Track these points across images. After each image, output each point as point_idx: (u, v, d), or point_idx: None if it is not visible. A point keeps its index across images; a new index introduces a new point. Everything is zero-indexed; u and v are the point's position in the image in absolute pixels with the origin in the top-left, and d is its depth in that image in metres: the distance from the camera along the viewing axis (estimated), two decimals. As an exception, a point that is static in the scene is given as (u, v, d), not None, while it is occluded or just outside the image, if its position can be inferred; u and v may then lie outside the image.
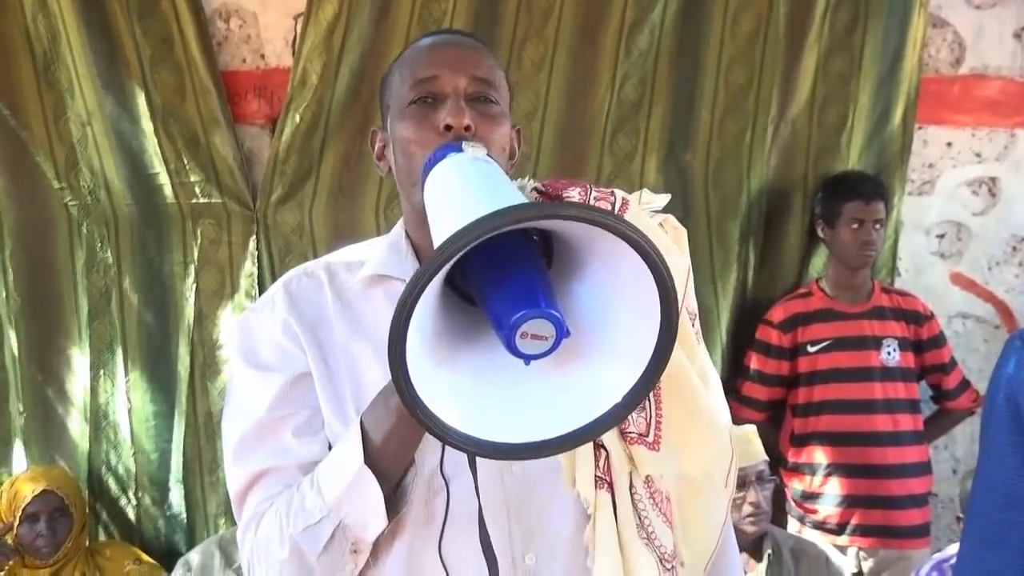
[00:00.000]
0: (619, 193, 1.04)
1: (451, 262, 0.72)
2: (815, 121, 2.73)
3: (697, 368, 1.06)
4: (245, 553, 1.02)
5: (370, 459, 0.92)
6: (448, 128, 0.99)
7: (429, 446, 0.95)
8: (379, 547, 0.98)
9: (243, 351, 1.10)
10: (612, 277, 0.80)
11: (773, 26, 2.65)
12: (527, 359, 0.76)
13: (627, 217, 1.00)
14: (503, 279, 0.78)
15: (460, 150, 0.96)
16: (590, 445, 1.00)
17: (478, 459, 0.95)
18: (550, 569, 1.01)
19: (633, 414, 1.00)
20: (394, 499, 0.96)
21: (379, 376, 0.97)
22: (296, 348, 1.06)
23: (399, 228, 1.14)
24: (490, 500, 0.99)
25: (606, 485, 1.00)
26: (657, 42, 2.63)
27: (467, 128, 0.99)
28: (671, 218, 1.08)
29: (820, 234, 2.66)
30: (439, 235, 0.80)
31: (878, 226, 2.58)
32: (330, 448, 1.01)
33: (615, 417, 0.81)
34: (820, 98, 2.72)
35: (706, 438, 1.05)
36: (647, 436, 1.01)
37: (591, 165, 2.64)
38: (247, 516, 1.03)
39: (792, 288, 2.72)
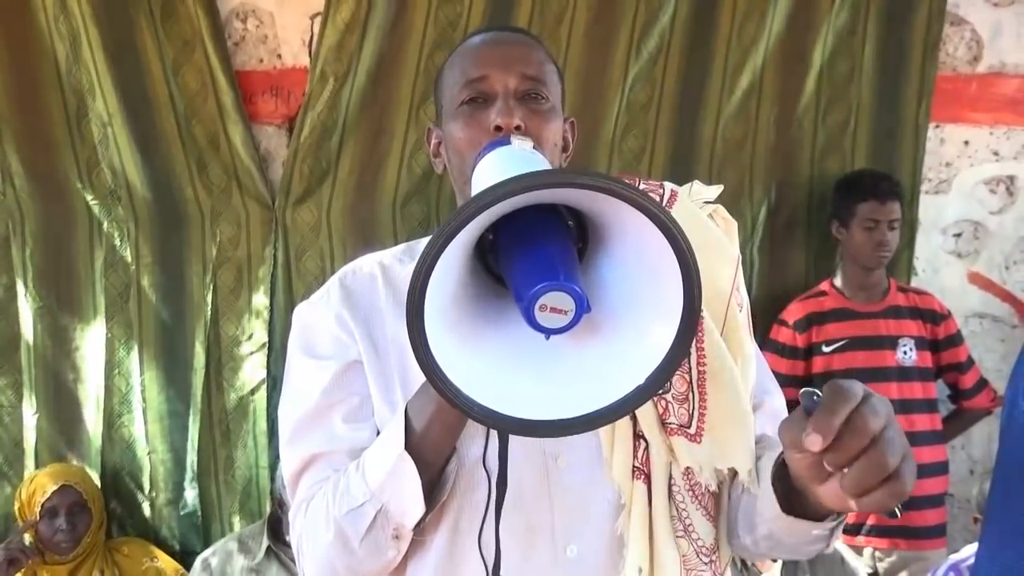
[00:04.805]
0: (668, 185, 1.05)
1: (465, 226, 0.72)
2: (819, 122, 2.73)
3: (743, 359, 1.04)
4: (295, 535, 1.05)
5: (412, 446, 0.94)
6: (498, 129, 1.01)
7: (473, 438, 0.98)
8: (423, 535, 1.00)
9: (299, 341, 1.13)
10: (637, 255, 0.80)
11: (777, 30, 2.66)
12: (547, 333, 0.77)
13: (677, 207, 1.01)
14: (527, 254, 0.79)
15: (508, 144, 0.98)
16: (629, 435, 1.01)
17: (522, 451, 0.97)
18: (591, 561, 1.02)
19: (675, 404, 1.01)
20: (436, 488, 0.97)
21: None
22: (349, 339, 1.09)
23: None
24: (534, 492, 1.01)
25: (643, 476, 1.01)
26: (667, 45, 2.65)
27: (517, 128, 1.01)
28: (721, 208, 1.07)
29: (835, 234, 2.64)
30: None
31: (893, 227, 2.56)
32: (378, 435, 1.03)
33: (638, 398, 0.80)
34: (824, 100, 2.72)
35: (749, 432, 1.02)
36: (689, 427, 1.01)
37: (600, 165, 2.64)
38: (298, 499, 1.06)
39: (799, 289, 2.71)
